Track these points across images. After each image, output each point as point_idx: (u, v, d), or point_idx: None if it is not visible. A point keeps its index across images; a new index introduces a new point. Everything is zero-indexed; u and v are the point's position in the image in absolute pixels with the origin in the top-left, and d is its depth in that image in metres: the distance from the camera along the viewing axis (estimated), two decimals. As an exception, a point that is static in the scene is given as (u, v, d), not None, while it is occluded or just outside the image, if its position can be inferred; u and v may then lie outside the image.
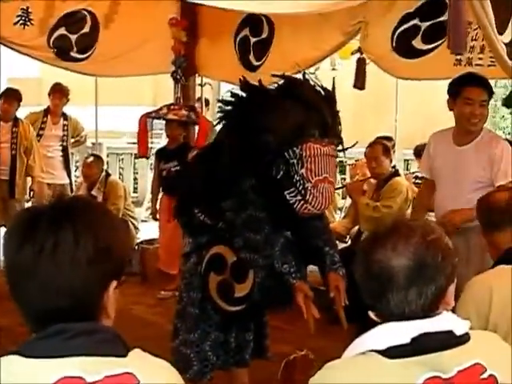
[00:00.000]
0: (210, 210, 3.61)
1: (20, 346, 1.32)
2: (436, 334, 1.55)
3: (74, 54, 6.36)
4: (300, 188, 3.26)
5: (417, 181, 7.19)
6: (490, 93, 4.07)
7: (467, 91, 3.99)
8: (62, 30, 6.21)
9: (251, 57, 6.31)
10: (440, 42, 4.71)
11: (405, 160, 10.02)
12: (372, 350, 1.56)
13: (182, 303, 3.81)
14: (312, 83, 3.47)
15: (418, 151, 7.27)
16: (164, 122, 6.53)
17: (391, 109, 8.61)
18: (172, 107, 6.27)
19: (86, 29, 6.37)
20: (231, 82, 6.61)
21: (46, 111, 7.53)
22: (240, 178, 3.43)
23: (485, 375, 1.56)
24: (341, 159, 10.03)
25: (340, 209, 7.95)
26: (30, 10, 6.13)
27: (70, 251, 1.32)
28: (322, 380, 1.61)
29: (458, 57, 4.66)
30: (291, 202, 3.30)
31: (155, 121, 6.86)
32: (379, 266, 1.58)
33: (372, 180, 6.20)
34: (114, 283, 1.40)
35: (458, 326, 1.60)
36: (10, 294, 1.37)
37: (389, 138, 7.27)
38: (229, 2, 4.59)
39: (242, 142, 3.38)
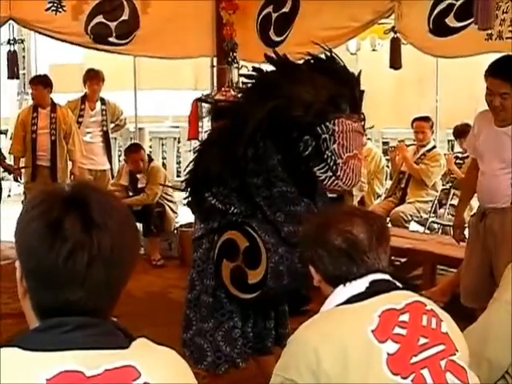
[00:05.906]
0: (225, 193, 3.41)
1: (18, 339, 1.30)
2: (383, 281, 1.92)
3: (113, 40, 6.32)
4: (331, 164, 3.25)
5: (457, 161, 7.10)
6: None
7: (488, 81, 3.94)
8: (99, 18, 6.18)
9: (271, 32, 6.18)
10: (473, 19, 4.59)
11: (448, 140, 9.77)
12: (335, 306, 1.89)
13: (194, 292, 3.61)
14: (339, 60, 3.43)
15: (458, 131, 7.17)
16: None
17: (432, 88, 8.43)
18: (223, 89, 6.25)
19: (125, 16, 6.33)
20: (252, 61, 6.55)
21: (84, 98, 7.57)
22: (267, 154, 3.33)
23: (428, 308, 1.87)
24: (385, 141, 9.95)
25: (379, 195, 7.88)
26: (61, -4, 6.04)
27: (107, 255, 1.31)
28: (298, 336, 1.87)
29: (489, 31, 4.55)
30: (321, 178, 3.29)
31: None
32: (347, 239, 1.92)
33: None
34: None
35: (389, 277, 1.95)
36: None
37: (427, 118, 7.17)
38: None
39: (268, 118, 3.24)
